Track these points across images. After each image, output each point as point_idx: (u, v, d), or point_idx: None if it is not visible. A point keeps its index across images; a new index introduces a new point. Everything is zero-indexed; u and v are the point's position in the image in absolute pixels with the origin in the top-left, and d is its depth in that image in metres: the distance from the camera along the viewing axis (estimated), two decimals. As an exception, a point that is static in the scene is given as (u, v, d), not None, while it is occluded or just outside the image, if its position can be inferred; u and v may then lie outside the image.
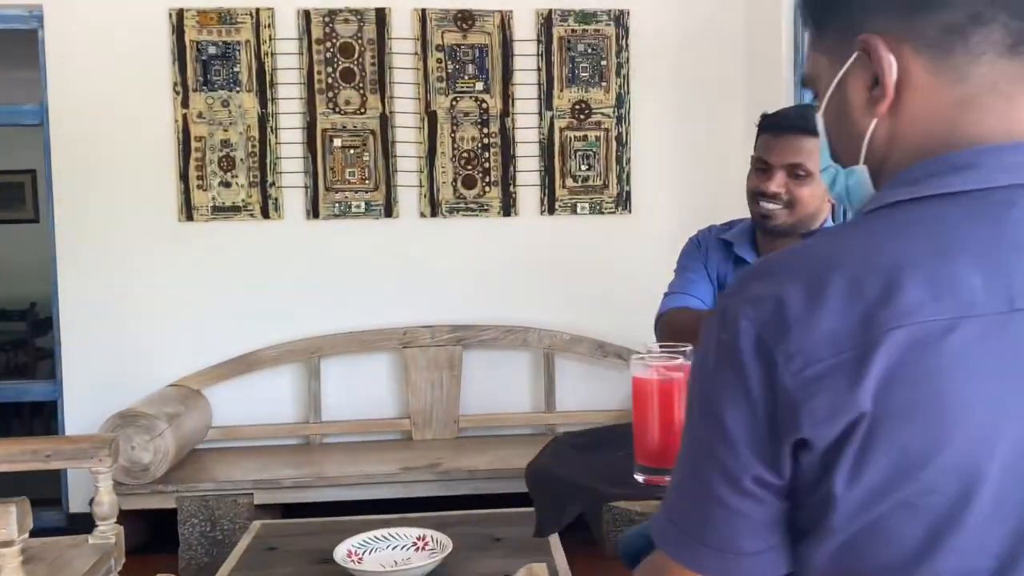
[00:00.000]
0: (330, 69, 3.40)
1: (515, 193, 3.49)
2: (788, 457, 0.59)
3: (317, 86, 3.40)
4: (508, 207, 3.49)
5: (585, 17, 3.48)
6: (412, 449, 3.31)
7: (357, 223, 3.44)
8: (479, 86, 3.46)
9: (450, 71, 3.44)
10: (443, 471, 3.05)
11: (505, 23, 3.45)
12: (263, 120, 3.38)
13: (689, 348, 1.33)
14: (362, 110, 3.42)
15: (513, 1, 3.44)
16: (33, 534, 1.75)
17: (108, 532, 2.15)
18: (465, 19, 3.44)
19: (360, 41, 3.41)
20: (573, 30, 3.48)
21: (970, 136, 0.63)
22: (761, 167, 1.66)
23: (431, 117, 3.44)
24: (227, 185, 3.39)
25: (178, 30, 3.34)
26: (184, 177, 3.37)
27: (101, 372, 3.34)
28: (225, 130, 3.38)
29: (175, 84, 3.35)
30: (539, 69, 3.48)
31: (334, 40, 3.40)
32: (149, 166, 3.35)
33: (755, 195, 1.66)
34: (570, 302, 3.50)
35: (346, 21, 3.40)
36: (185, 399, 3.21)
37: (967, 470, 0.56)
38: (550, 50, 3.47)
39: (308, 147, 3.41)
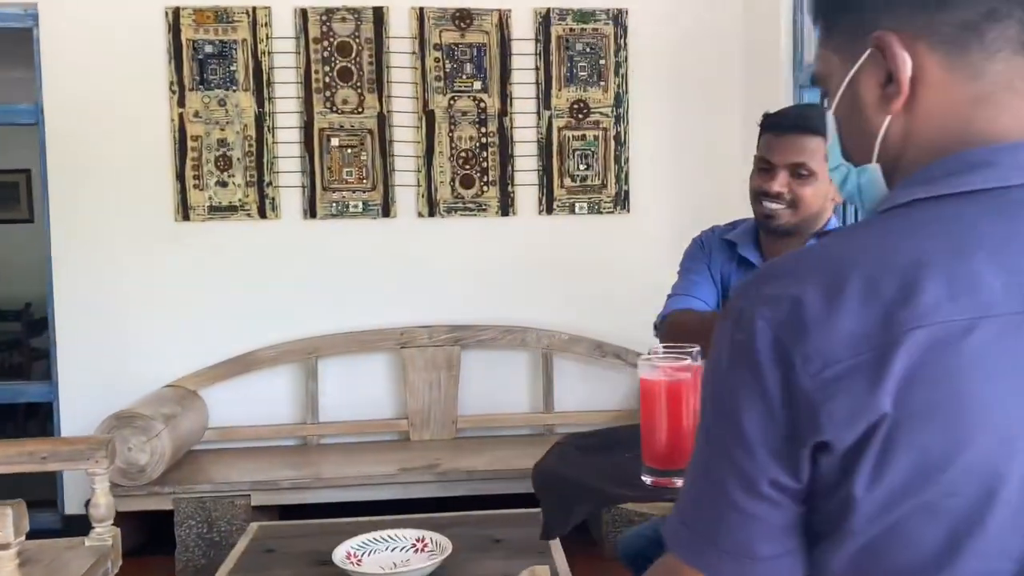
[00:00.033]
0: (327, 68, 3.39)
1: (513, 193, 3.48)
2: (807, 460, 0.58)
3: (314, 85, 3.38)
4: (506, 207, 3.48)
5: (583, 16, 3.47)
6: (410, 450, 3.30)
7: (354, 223, 3.43)
8: (477, 85, 3.45)
9: (448, 70, 3.43)
10: (441, 472, 3.04)
11: (503, 22, 3.44)
12: (260, 119, 3.37)
13: (696, 349, 1.32)
14: (360, 109, 3.41)
15: (511, 0, 3.43)
16: (29, 536, 1.74)
17: (105, 534, 2.13)
18: (463, 18, 3.42)
19: (357, 40, 3.40)
20: (571, 29, 3.47)
21: (985, 134, 0.63)
22: (764, 167, 1.66)
23: (429, 116, 3.43)
24: (224, 185, 3.37)
25: (174, 29, 3.32)
26: (180, 177, 3.35)
27: (97, 373, 3.32)
28: (222, 129, 3.36)
29: (171, 83, 3.33)
30: (537, 68, 3.47)
31: (331, 39, 3.39)
32: (145, 166, 3.34)
33: (758, 195, 1.66)
34: (568, 302, 3.49)
35: (343, 20, 3.39)
36: (182, 400, 3.19)
37: (988, 472, 0.55)
38: (548, 49, 3.46)
39: (305, 146, 3.40)
